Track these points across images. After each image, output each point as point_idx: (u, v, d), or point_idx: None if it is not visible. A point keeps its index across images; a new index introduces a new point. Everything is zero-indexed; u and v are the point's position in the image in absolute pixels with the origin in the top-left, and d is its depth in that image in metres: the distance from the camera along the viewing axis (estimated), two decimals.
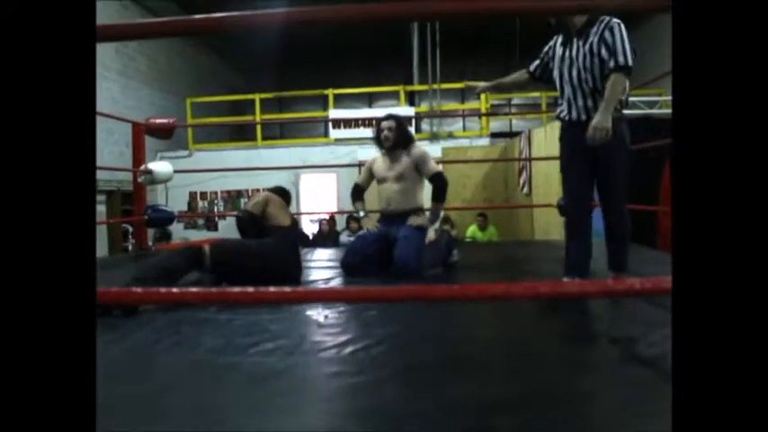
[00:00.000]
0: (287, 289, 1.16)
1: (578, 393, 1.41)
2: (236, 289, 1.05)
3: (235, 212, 6.71)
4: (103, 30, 1.09)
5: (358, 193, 3.62)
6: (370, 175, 3.56)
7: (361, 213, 3.56)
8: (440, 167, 3.46)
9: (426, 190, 3.45)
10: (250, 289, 1.02)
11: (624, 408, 1.30)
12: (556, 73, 2.64)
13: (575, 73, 2.51)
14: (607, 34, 2.40)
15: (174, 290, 1.17)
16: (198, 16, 1.17)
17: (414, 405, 1.32)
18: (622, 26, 2.40)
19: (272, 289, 1.04)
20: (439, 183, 3.37)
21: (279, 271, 2.72)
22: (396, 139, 3.37)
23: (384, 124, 3.40)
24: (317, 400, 1.40)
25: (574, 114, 2.57)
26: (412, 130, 9.88)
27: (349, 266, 3.26)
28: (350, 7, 1.14)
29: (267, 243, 2.79)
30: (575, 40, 2.50)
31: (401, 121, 3.45)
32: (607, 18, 2.42)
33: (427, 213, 3.47)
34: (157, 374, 1.59)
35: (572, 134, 2.60)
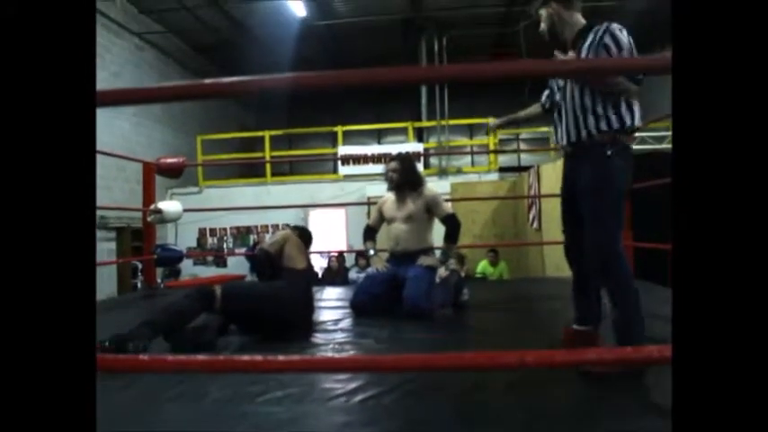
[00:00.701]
0: (295, 357, 1.13)
1: None
2: (244, 357, 1.01)
3: (244, 250, 6.71)
4: (102, 96, 1.09)
5: (370, 233, 3.62)
6: (381, 216, 3.56)
7: (371, 252, 3.54)
8: (451, 209, 3.47)
9: (437, 230, 3.43)
10: (258, 357, 0.99)
11: None
12: (558, 97, 2.32)
13: (568, 87, 2.20)
14: (608, 39, 2.05)
15: (182, 357, 1.14)
16: (206, 81, 1.18)
17: None
18: (624, 31, 2.08)
19: (280, 357, 1.01)
20: (452, 224, 3.37)
21: (290, 315, 2.68)
22: (400, 180, 3.39)
23: (389, 166, 3.43)
24: None
25: (559, 136, 2.27)
26: (420, 166, 9.97)
27: (358, 307, 3.23)
28: (356, 72, 1.15)
29: (279, 286, 2.76)
30: (569, 53, 2.20)
31: (407, 163, 3.46)
32: (606, 23, 2.09)
33: (437, 253, 3.45)
34: (162, 425, 1.56)
35: (565, 166, 2.34)
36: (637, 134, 8.08)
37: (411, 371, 1.80)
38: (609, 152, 2.11)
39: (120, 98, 1.22)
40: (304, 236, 3.11)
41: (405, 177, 3.39)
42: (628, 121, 2.14)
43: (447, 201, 9.06)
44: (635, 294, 2.08)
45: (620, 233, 2.16)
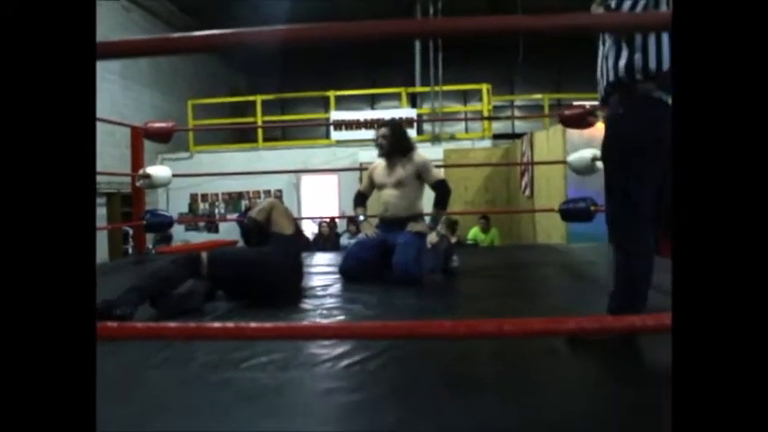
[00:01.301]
0: (271, 324, 1.12)
1: (575, 417, 1.36)
2: (229, 324, 0.99)
3: (235, 215, 6.71)
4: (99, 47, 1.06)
5: (360, 199, 3.61)
6: (371, 182, 3.54)
7: (361, 218, 3.53)
8: (442, 175, 3.46)
9: (427, 197, 3.41)
10: (243, 324, 0.96)
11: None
12: None
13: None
14: None
15: (172, 324, 1.12)
16: (196, 33, 1.13)
17: (408, 429, 1.27)
18: None
19: (265, 324, 0.99)
20: (442, 190, 3.36)
21: (277, 280, 2.67)
22: (390, 146, 3.36)
23: (379, 132, 3.40)
24: (309, 422, 1.35)
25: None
26: (413, 132, 9.90)
27: (347, 272, 3.23)
28: (348, 25, 1.11)
29: (266, 252, 2.74)
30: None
31: (397, 129, 3.42)
32: None
33: (427, 219, 3.44)
34: (146, 393, 1.55)
35: None
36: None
37: (389, 338, 1.79)
38: (620, 110, 1.79)
39: (110, 51, 1.17)
40: None
41: (395, 144, 3.36)
42: (652, 63, 1.68)
43: (439, 167, 9.04)
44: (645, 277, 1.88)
45: (635, 217, 1.83)
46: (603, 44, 1.89)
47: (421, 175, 3.34)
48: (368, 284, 3.00)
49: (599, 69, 1.89)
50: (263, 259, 2.69)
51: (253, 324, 1.07)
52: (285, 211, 2.97)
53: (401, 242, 3.16)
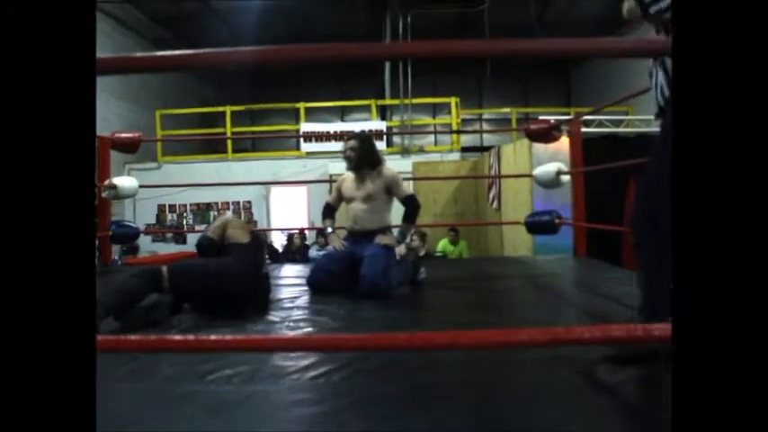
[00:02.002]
0: (240, 337, 1.13)
1: (543, 426, 1.40)
2: (187, 337, 1.00)
3: (203, 227, 6.63)
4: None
5: (329, 211, 3.61)
6: (340, 194, 3.54)
7: (329, 230, 3.53)
8: (411, 190, 3.47)
9: (396, 209, 3.44)
10: (203, 337, 0.98)
11: None
12: None
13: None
14: None
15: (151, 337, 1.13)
16: (168, 53, 1.15)
17: None
18: None
19: (227, 337, 1.00)
20: (411, 205, 3.39)
21: (238, 288, 2.66)
22: (358, 159, 3.36)
23: (348, 144, 3.40)
24: None
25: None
26: (382, 145, 9.95)
27: (315, 284, 3.23)
28: (321, 47, 1.14)
29: (225, 261, 2.75)
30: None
31: (366, 142, 3.43)
32: None
33: (395, 232, 3.46)
34: (110, 406, 1.54)
35: None
36: (594, 117, 8.07)
37: (347, 350, 1.82)
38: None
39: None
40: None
41: (363, 157, 3.37)
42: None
43: (408, 180, 9.08)
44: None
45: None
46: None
47: (390, 189, 3.36)
48: (336, 297, 3.02)
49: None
50: (221, 269, 2.68)
51: (213, 336, 1.08)
52: (240, 224, 3.01)
53: (369, 254, 3.18)
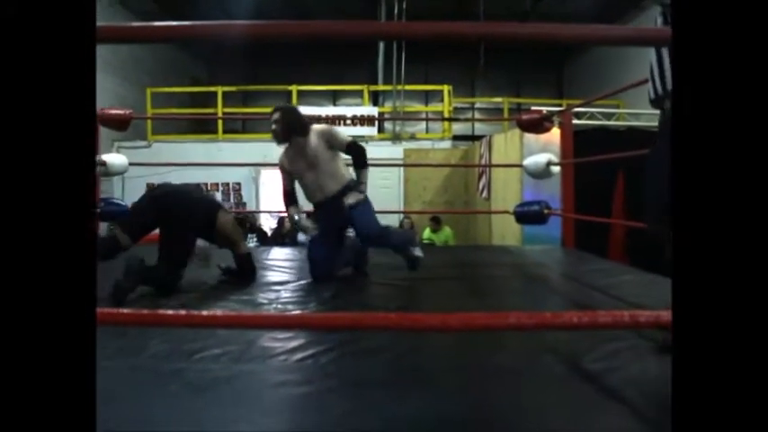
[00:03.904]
0: (231, 313, 1.14)
1: (526, 412, 1.42)
2: (178, 312, 1.01)
3: None
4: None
5: (290, 198, 3.35)
6: (290, 176, 3.30)
7: (296, 217, 3.30)
8: (349, 137, 3.21)
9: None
10: (189, 312, 0.99)
11: (571, 424, 1.32)
12: None
13: None
14: None
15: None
16: (161, 24, 1.15)
17: (357, 422, 1.31)
18: None
19: (218, 313, 1.01)
20: (356, 151, 3.17)
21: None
22: (284, 129, 3.14)
23: (272, 118, 3.18)
24: (258, 413, 1.37)
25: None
26: (373, 130, 9.93)
27: (321, 278, 3.13)
28: (318, 23, 1.14)
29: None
30: None
31: (289, 113, 3.19)
32: None
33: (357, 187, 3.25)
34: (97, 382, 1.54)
35: None
36: (585, 109, 8.09)
37: (338, 329, 1.83)
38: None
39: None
40: None
41: (289, 126, 3.14)
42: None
43: (399, 166, 9.06)
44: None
45: None
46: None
47: (330, 143, 3.14)
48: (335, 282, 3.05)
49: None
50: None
51: (204, 312, 1.09)
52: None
53: (355, 214, 3.11)
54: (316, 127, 3.19)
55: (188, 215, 2.91)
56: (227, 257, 3.14)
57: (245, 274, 3.11)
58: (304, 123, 3.17)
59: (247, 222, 3.50)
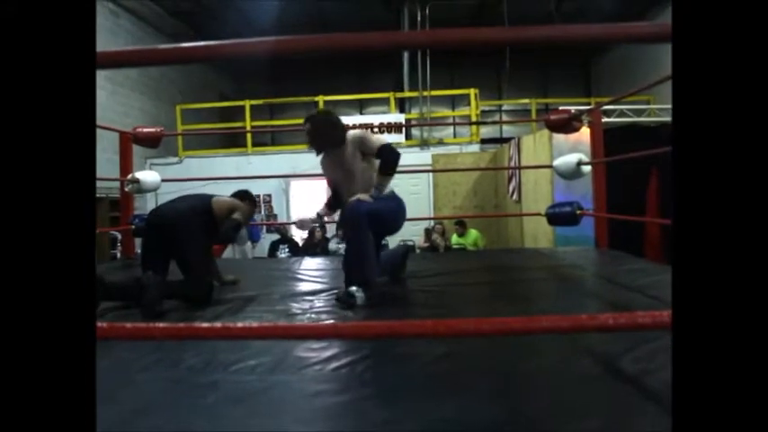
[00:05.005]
0: (267, 324, 1.14)
1: (564, 415, 1.40)
2: (216, 325, 1.01)
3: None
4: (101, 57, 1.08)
5: (329, 203, 3.34)
6: (332, 185, 3.26)
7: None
8: (384, 139, 3.06)
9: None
10: (224, 325, 0.99)
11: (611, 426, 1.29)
12: None
13: None
14: None
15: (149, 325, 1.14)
16: (187, 45, 1.16)
17: (395, 429, 1.30)
18: None
19: (254, 324, 1.01)
20: (386, 155, 2.95)
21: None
22: (316, 142, 3.06)
23: (305, 129, 3.08)
24: (295, 423, 1.38)
25: None
26: (401, 138, 9.93)
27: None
28: (345, 36, 1.14)
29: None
30: None
31: (317, 121, 3.07)
32: None
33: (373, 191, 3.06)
34: (134, 395, 1.57)
35: None
36: (614, 107, 7.97)
37: (373, 337, 1.83)
38: None
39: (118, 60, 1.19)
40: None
41: (321, 138, 3.04)
42: None
43: (428, 171, 9.04)
44: None
45: None
46: None
47: (363, 149, 2.98)
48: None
49: None
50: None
51: (240, 324, 1.09)
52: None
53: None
54: (350, 134, 3.03)
55: (180, 217, 2.94)
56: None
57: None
58: (337, 134, 3.03)
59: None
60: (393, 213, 3.04)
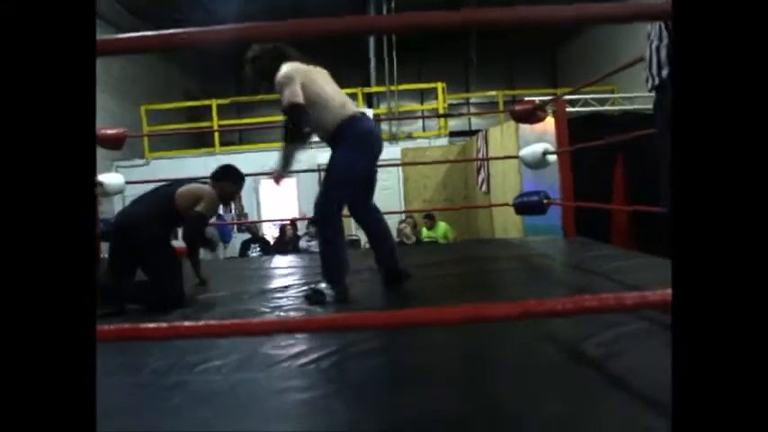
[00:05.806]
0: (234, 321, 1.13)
1: (529, 401, 1.41)
2: (185, 323, 1.00)
3: None
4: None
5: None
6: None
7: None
8: (297, 99, 2.74)
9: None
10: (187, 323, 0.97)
11: (574, 412, 1.31)
12: None
13: None
14: None
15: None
16: (148, 33, 1.12)
17: (362, 425, 1.30)
18: None
19: (225, 322, 0.99)
20: (290, 121, 2.82)
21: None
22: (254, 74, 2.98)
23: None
24: (262, 421, 1.36)
25: None
26: None
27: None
28: (305, 22, 1.12)
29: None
30: None
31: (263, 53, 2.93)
32: None
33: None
34: (100, 397, 1.53)
35: None
36: (578, 96, 8.05)
37: (339, 330, 1.83)
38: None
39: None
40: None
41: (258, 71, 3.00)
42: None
43: (397, 165, 9.02)
44: None
45: None
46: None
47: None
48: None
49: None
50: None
51: (213, 322, 1.08)
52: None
53: None
54: (278, 75, 2.86)
55: (139, 222, 2.84)
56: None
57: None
58: (272, 67, 2.90)
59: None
60: (345, 173, 2.80)
